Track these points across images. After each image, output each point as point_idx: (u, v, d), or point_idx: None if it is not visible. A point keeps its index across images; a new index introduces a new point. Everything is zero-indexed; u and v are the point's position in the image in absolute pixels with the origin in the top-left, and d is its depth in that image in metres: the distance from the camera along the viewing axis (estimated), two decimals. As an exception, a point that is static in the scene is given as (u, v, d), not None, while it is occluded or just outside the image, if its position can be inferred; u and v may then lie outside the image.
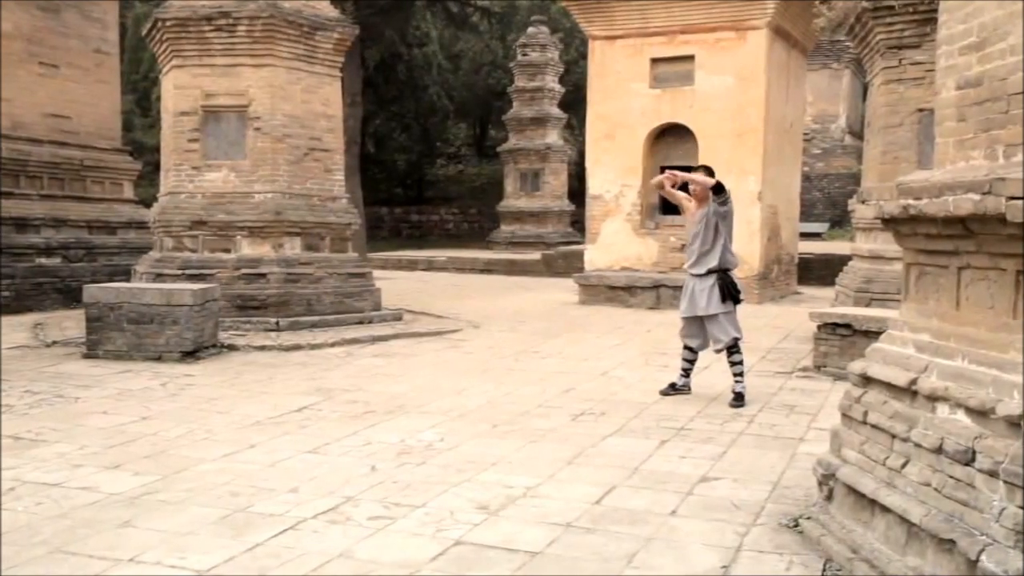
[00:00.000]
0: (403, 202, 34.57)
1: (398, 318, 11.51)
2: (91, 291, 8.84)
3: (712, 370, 7.88)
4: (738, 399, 6.64)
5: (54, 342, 9.56)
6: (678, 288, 7.14)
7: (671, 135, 14.47)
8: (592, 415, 6.33)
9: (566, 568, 3.53)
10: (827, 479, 3.89)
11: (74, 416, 6.17)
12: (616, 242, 14.59)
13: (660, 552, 3.71)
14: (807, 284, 16.87)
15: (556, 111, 27.08)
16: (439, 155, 37.86)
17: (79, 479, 4.69)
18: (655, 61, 14.28)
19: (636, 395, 7.04)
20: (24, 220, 13.05)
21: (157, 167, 12.75)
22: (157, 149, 13.06)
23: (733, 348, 6.72)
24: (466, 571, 3.50)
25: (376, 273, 12.66)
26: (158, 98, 14.75)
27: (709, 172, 6.83)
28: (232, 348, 9.11)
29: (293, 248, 10.75)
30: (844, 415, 3.93)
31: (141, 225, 14.31)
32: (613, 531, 3.95)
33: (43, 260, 13.20)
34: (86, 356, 8.65)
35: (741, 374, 6.75)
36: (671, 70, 14.23)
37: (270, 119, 10.63)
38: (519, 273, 21.13)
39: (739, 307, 6.90)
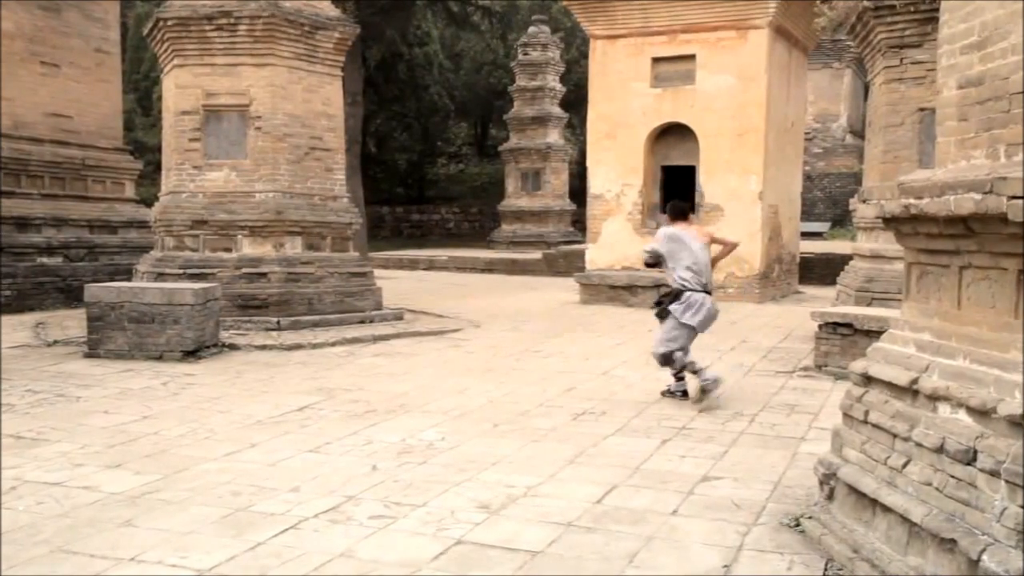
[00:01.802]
0: (404, 201, 34.60)
1: (399, 317, 11.52)
2: (92, 290, 8.84)
3: (712, 370, 7.85)
4: (710, 384, 6.61)
5: (55, 341, 9.57)
6: (679, 288, 7.08)
7: (672, 134, 14.48)
8: (593, 414, 6.33)
9: (567, 567, 3.53)
10: (828, 478, 3.89)
11: (75, 415, 6.17)
12: (617, 241, 14.59)
13: (661, 551, 3.71)
14: (808, 283, 16.87)
15: (557, 110, 27.08)
16: (440, 154, 37.88)
17: (80, 478, 4.69)
18: (656, 60, 14.29)
19: (637, 394, 7.04)
20: (25, 219, 13.06)
21: (158, 166, 12.76)
22: (158, 148, 13.07)
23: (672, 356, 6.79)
24: (467, 570, 3.50)
25: (377, 272, 12.66)
26: (159, 97, 14.78)
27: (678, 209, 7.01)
28: (233, 347, 9.12)
29: (294, 247, 10.76)
30: (845, 414, 3.93)
31: (142, 224, 14.33)
32: (614, 530, 3.95)
33: (44, 259, 13.22)
34: (87, 355, 8.66)
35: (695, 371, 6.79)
36: (672, 69, 14.24)
37: (271, 118, 10.63)
38: (520, 272, 21.15)
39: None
